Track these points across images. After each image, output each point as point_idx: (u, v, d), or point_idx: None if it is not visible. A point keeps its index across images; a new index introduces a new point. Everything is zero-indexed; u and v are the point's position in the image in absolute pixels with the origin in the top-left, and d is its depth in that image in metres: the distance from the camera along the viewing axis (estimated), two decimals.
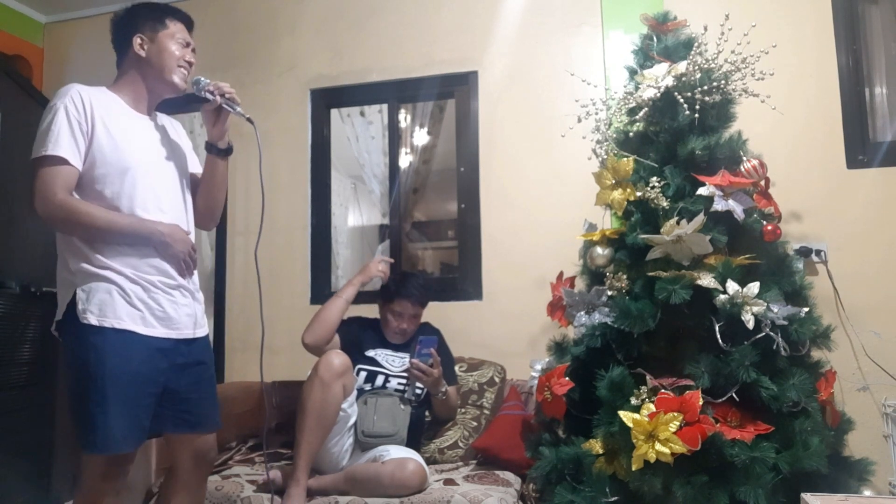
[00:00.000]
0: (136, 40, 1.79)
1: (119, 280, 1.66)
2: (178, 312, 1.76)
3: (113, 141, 1.70)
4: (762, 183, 2.26)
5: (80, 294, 1.64)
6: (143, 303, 1.69)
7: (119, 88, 1.82)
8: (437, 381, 2.45)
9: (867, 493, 1.97)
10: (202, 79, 1.82)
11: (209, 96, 1.80)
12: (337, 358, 2.24)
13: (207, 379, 1.86)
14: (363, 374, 2.48)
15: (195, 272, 1.85)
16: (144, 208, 1.72)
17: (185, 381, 1.76)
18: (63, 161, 1.63)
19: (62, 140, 1.63)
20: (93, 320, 1.62)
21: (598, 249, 2.25)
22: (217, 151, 1.87)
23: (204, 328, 1.87)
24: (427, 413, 2.59)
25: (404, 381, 2.49)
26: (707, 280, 1.96)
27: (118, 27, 1.85)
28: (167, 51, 1.80)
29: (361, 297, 3.05)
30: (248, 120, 1.83)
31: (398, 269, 3.36)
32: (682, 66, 2.15)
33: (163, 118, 1.92)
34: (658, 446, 1.76)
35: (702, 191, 2.03)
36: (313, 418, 2.17)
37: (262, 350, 1.94)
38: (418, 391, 2.50)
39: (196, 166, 1.95)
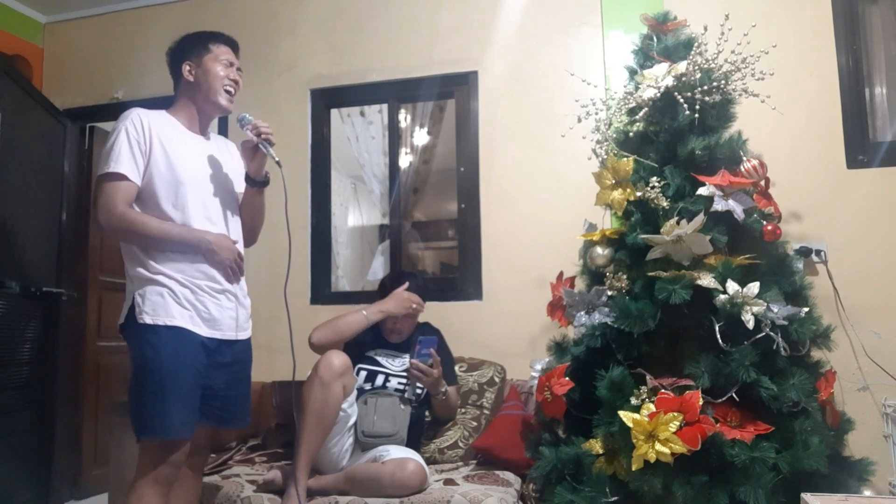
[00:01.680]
0: (185, 67, 1.97)
1: (170, 283, 1.82)
2: (223, 315, 1.91)
3: (168, 159, 1.87)
4: (762, 183, 2.27)
5: (138, 298, 1.81)
6: (192, 304, 1.84)
7: (175, 111, 2.00)
8: (438, 381, 2.45)
9: (867, 493, 1.97)
10: (247, 116, 2.00)
11: (248, 134, 1.98)
12: (337, 358, 2.24)
13: (244, 378, 2.02)
14: (363, 374, 2.48)
15: (242, 278, 2.02)
16: (195, 219, 1.89)
17: (222, 379, 1.91)
18: (123, 177, 1.81)
19: (123, 158, 1.81)
20: (148, 320, 1.79)
21: (598, 249, 2.25)
22: (253, 183, 2.05)
23: (247, 331, 2.03)
24: (427, 413, 2.59)
25: (404, 381, 2.49)
26: (707, 280, 1.96)
27: (171, 57, 2.03)
28: (212, 73, 1.97)
29: (362, 298, 3.06)
30: (277, 163, 2.00)
31: (397, 268, 3.37)
32: (682, 66, 2.15)
33: (217, 138, 2.10)
34: (658, 446, 1.76)
35: (702, 191, 2.03)
36: (313, 418, 2.17)
37: (292, 353, 1.99)
38: (418, 391, 2.50)
39: (242, 186, 2.10)
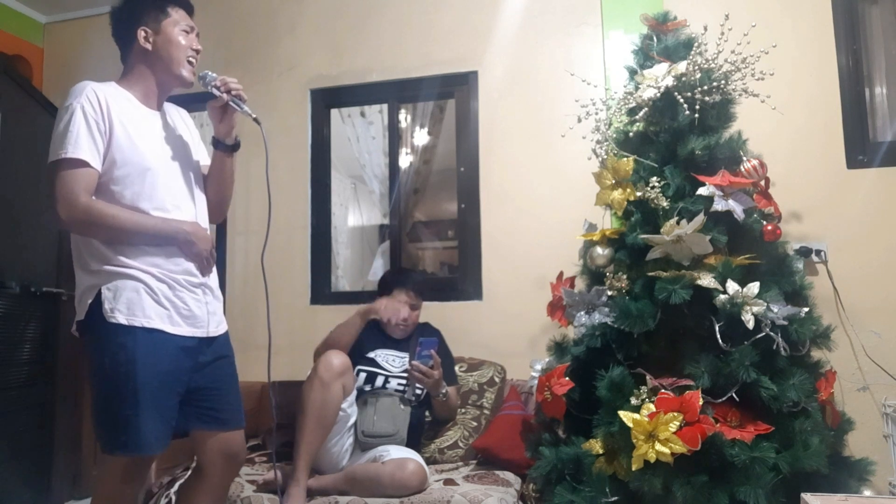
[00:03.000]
0: (141, 33, 1.74)
1: (146, 278, 1.63)
2: (202, 310, 1.74)
3: (131, 141, 1.66)
4: (762, 183, 2.27)
5: (106, 293, 1.60)
6: (170, 301, 1.66)
7: (128, 84, 1.76)
8: (438, 382, 2.45)
9: (867, 493, 1.97)
10: (209, 73, 1.78)
11: (216, 92, 1.76)
12: (336, 358, 2.24)
13: (230, 374, 1.85)
14: (363, 375, 2.48)
15: (213, 269, 1.83)
16: (164, 208, 1.70)
17: (208, 378, 1.74)
18: (83, 163, 1.59)
19: (81, 141, 1.58)
20: (122, 319, 1.59)
21: (598, 249, 2.25)
22: (224, 148, 1.82)
23: (224, 325, 1.86)
24: (427, 413, 2.59)
25: (404, 381, 2.49)
26: (707, 280, 1.96)
27: (119, 19, 1.79)
28: (173, 42, 1.74)
29: (362, 298, 3.06)
30: (255, 120, 1.79)
31: (397, 266, 3.37)
32: (682, 66, 2.15)
33: (171, 109, 1.88)
34: (658, 446, 1.77)
35: (702, 191, 2.03)
36: (313, 418, 2.18)
37: (269, 353, 1.94)
38: (418, 392, 2.50)
39: (205, 157, 1.90)
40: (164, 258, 1.67)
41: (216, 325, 1.79)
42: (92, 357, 1.62)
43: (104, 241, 1.63)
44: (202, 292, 1.75)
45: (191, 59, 1.78)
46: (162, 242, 1.67)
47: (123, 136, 1.65)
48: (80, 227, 1.64)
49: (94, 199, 1.61)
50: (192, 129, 1.91)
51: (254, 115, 1.79)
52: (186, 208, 1.76)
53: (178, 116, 1.89)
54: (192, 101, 2.29)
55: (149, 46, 1.74)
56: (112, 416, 1.58)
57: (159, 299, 1.64)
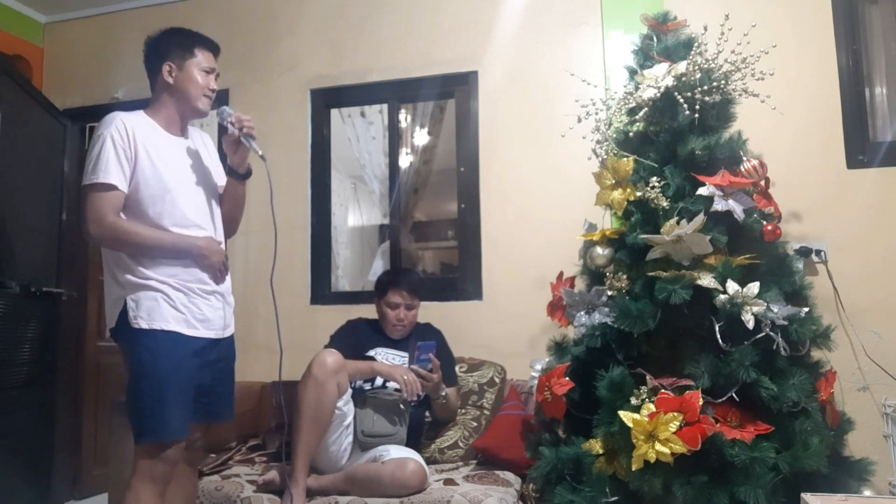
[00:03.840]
0: (166, 68, 1.94)
1: (164, 288, 1.85)
2: (215, 315, 1.96)
3: (154, 166, 1.88)
4: (762, 183, 2.27)
5: (130, 303, 1.82)
6: (185, 307, 1.87)
7: (153, 112, 1.97)
8: (437, 385, 2.44)
9: (867, 493, 1.97)
10: (227, 109, 2.00)
11: (230, 128, 1.97)
12: (330, 356, 2.24)
13: (229, 374, 2.06)
14: None
15: (227, 277, 2.05)
16: (183, 225, 1.91)
17: (211, 376, 1.94)
18: (112, 187, 1.81)
19: (111, 167, 1.81)
20: (143, 325, 1.81)
21: (598, 249, 2.25)
22: (237, 176, 2.05)
23: (231, 328, 2.06)
24: (427, 413, 2.59)
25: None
26: (707, 280, 1.96)
27: (150, 51, 1.99)
28: (192, 80, 1.95)
29: (362, 298, 3.06)
30: (262, 157, 1.97)
31: (396, 266, 3.37)
32: (682, 66, 2.15)
33: (194, 134, 2.08)
34: (658, 446, 1.77)
35: (702, 191, 2.03)
36: (309, 417, 2.18)
37: (280, 356, 2.08)
38: (418, 393, 2.49)
39: (222, 178, 2.10)
40: (180, 269, 1.89)
41: (224, 329, 2.01)
42: (126, 358, 1.85)
43: (129, 255, 1.85)
44: (216, 298, 1.97)
45: (206, 94, 1.99)
46: (179, 256, 1.88)
47: (147, 161, 1.87)
48: (108, 243, 1.86)
49: (119, 217, 1.84)
50: (212, 152, 2.12)
51: (261, 153, 1.97)
52: (204, 224, 1.97)
53: (201, 141, 2.10)
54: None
55: (171, 80, 1.95)
56: (142, 408, 1.80)
57: (176, 305, 1.86)
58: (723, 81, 2.14)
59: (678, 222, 1.99)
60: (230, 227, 2.15)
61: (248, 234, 3.39)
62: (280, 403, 2.84)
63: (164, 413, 1.78)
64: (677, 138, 2.16)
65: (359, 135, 3.99)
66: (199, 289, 1.91)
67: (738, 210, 2.01)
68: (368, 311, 2.73)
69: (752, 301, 1.92)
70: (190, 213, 1.93)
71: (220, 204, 2.08)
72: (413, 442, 2.43)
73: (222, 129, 2.07)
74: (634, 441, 1.80)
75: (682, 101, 2.11)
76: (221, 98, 3.50)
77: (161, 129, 1.96)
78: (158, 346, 1.80)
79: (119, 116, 1.87)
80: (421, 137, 4.19)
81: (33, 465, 3.07)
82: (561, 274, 2.46)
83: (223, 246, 2.04)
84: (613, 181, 2.19)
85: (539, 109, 3.03)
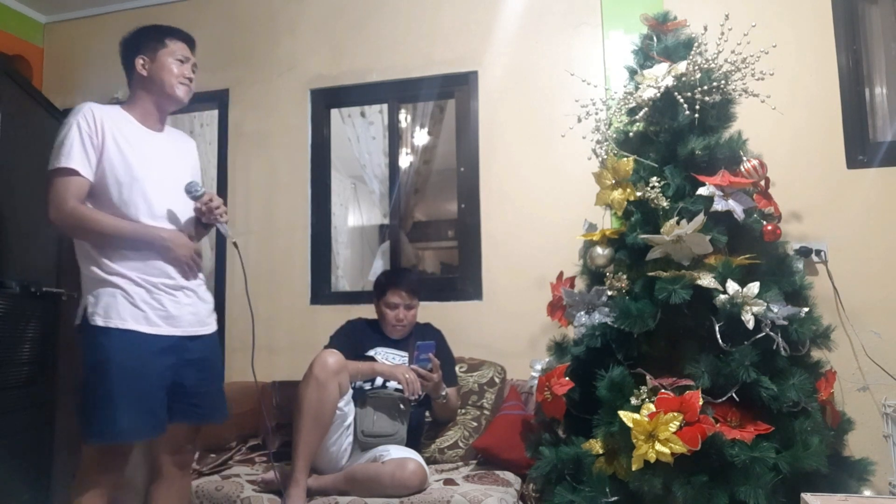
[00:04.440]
0: (139, 61, 1.93)
1: (123, 283, 1.80)
2: (182, 311, 1.88)
3: (122, 153, 1.84)
4: (762, 183, 2.27)
5: (90, 299, 1.79)
6: (146, 303, 1.82)
7: (130, 107, 1.95)
8: (437, 385, 2.44)
9: (867, 493, 1.97)
10: (197, 185, 1.93)
11: (200, 208, 1.93)
12: (331, 357, 2.24)
13: (215, 373, 2.01)
14: None
15: (200, 274, 1.98)
16: (150, 216, 1.86)
17: (193, 375, 1.89)
18: (74, 172, 1.77)
19: (74, 153, 1.78)
20: (99, 322, 1.76)
21: (598, 249, 2.25)
22: (203, 225, 2.00)
23: (210, 326, 1.99)
24: (427, 413, 2.59)
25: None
26: (707, 280, 1.96)
27: (124, 49, 1.98)
28: (166, 69, 1.93)
29: (362, 298, 3.06)
30: (234, 245, 2.04)
31: (395, 265, 3.37)
32: (682, 66, 2.15)
33: (175, 134, 2.07)
34: (658, 446, 1.77)
35: (702, 191, 2.03)
36: (310, 418, 2.18)
37: (252, 355, 2.04)
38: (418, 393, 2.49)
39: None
40: (142, 262, 1.83)
41: (199, 326, 1.94)
42: (81, 357, 1.80)
43: (93, 245, 1.81)
44: (184, 294, 1.90)
45: (182, 82, 1.96)
46: (141, 247, 1.83)
47: (115, 150, 1.83)
48: (68, 230, 1.83)
49: (80, 204, 1.79)
50: (191, 152, 2.09)
51: (234, 240, 2.02)
52: (173, 218, 1.92)
53: (183, 142, 2.08)
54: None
55: (144, 73, 1.93)
56: (88, 407, 1.74)
57: (135, 302, 1.80)
58: (723, 81, 2.14)
59: (678, 222, 1.99)
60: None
61: (248, 235, 3.40)
62: (278, 402, 2.85)
63: (112, 415, 1.71)
64: (677, 138, 2.16)
65: (359, 135, 3.99)
66: (163, 284, 1.84)
67: (738, 210, 2.01)
68: (368, 311, 2.73)
69: (752, 301, 1.92)
70: (158, 205, 1.87)
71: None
72: (413, 442, 2.43)
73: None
74: (634, 441, 1.80)
75: (682, 101, 2.11)
76: (221, 98, 3.51)
77: (135, 121, 1.92)
78: (112, 345, 1.74)
79: (89, 105, 1.85)
80: (421, 137, 4.19)
81: (33, 465, 3.06)
82: (561, 274, 2.46)
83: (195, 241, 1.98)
84: (613, 181, 2.19)
85: (539, 109, 3.03)
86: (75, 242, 1.85)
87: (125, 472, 1.82)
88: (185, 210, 1.96)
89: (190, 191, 1.92)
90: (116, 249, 1.80)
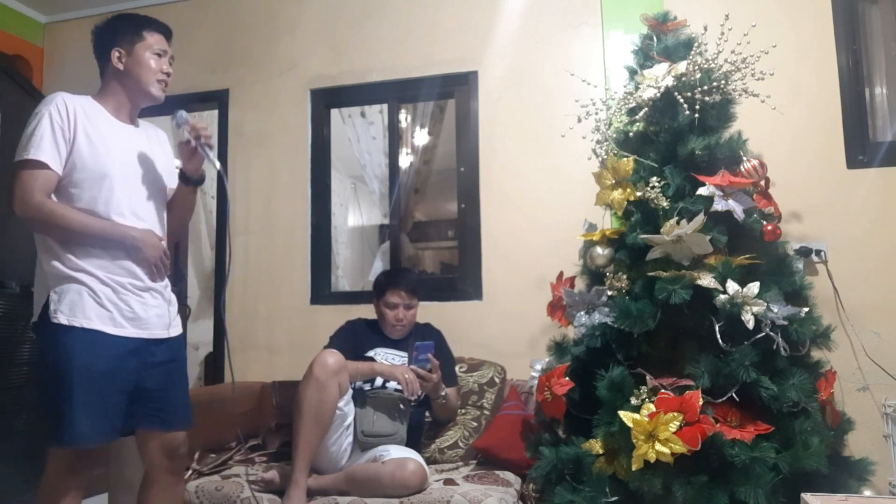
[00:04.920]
0: (115, 54, 1.84)
1: (89, 281, 1.72)
2: (148, 313, 1.82)
3: (93, 148, 1.76)
4: (762, 183, 2.27)
5: (53, 296, 1.71)
6: (113, 304, 1.75)
7: (102, 98, 1.87)
8: (437, 385, 2.44)
9: (867, 493, 1.97)
10: (183, 114, 1.89)
11: (186, 135, 1.87)
12: (331, 357, 2.24)
13: (180, 377, 1.92)
14: None
15: (166, 275, 1.91)
16: (120, 213, 1.79)
17: (156, 379, 1.82)
18: (43, 165, 1.70)
19: (44, 145, 1.70)
20: (63, 320, 1.69)
21: (598, 249, 2.25)
22: (189, 182, 1.94)
23: (176, 328, 1.92)
24: (427, 413, 2.59)
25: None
26: (707, 280, 1.96)
27: (98, 39, 1.89)
28: (143, 64, 1.85)
29: (362, 298, 3.06)
30: (220, 172, 1.95)
31: (395, 265, 3.37)
32: (682, 66, 2.15)
33: (148, 128, 1.98)
34: (658, 446, 1.76)
35: (702, 191, 2.03)
36: (310, 418, 2.18)
37: (229, 357, 1.96)
38: (418, 393, 2.49)
39: (172, 180, 1.99)
40: (109, 261, 1.76)
41: (165, 328, 1.87)
42: (39, 355, 1.76)
43: (57, 240, 1.74)
44: (150, 296, 1.83)
45: (160, 79, 1.88)
46: (109, 246, 1.76)
47: (86, 144, 1.75)
48: (33, 224, 1.75)
49: (47, 198, 1.71)
50: (166, 149, 2.01)
51: (217, 165, 1.90)
52: (146, 217, 1.85)
53: (156, 136, 1.99)
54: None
55: (121, 66, 1.85)
56: (51, 410, 1.68)
57: (102, 301, 1.73)
58: (723, 81, 2.14)
59: (678, 222, 1.99)
60: (175, 235, 2.05)
61: (248, 235, 3.40)
62: (278, 402, 2.85)
63: (76, 418, 1.64)
64: (677, 138, 2.16)
65: (359, 135, 3.99)
66: (130, 284, 1.77)
67: (738, 210, 2.01)
68: (368, 312, 2.73)
69: (752, 301, 1.92)
70: (128, 203, 1.80)
71: (168, 204, 1.97)
72: (413, 442, 2.43)
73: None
74: (634, 441, 1.80)
75: (682, 101, 2.11)
76: (221, 98, 3.51)
77: (108, 114, 1.85)
78: (76, 345, 1.67)
79: (61, 95, 1.77)
80: (421, 137, 4.19)
81: (33, 465, 3.06)
82: (561, 274, 2.46)
83: (165, 242, 1.90)
84: (613, 181, 2.19)
85: (539, 109, 3.03)
86: (36, 236, 1.78)
87: (92, 473, 1.78)
88: (157, 208, 1.90)
89: (177, 119, 1.88)
90: (83, 246, 1.73)
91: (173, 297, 1.94)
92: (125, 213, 1.79)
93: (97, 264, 1.74)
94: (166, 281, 1.91)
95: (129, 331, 1.76)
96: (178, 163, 2.00)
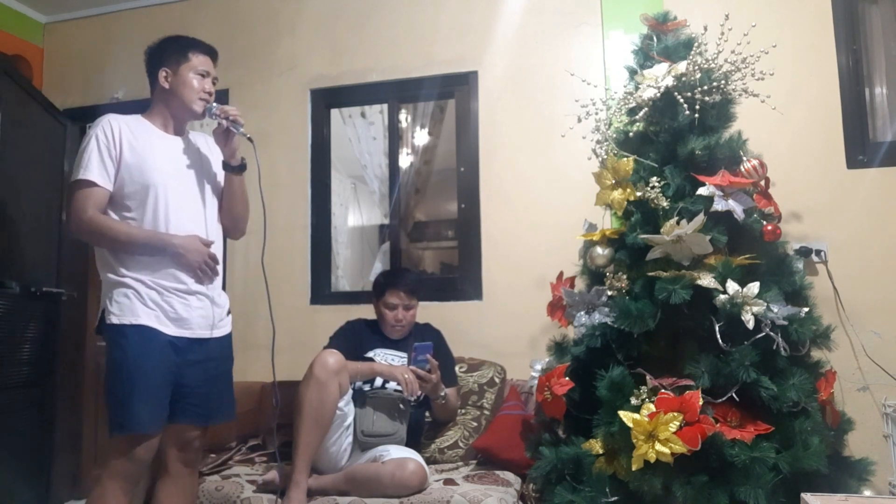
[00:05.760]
0: (162, 73, 1.99)
1: (136, 286, 1.86)
2: (192, 314, 1.92)
3: (138, 162, 1.90)
4: (762, 183, 2.27)
5: (107, 301, 1.87)
6: (157, 304, 1.88)
7: (150, 115, 2.02)
8: (436, 386, 2.44)
9: (867, 493, 1.97)
10: (213, 104, 2.02)
11: (217, 119, 1.99)
12: (332, 357, 2.24)
13: (220, 374, 2.02)
14: None
15: (217, 278, 2.01)
16: (166, 222, 1.91)
17: (196, 377, 1.92)
18: (92, 184, 1.85)
19: (92, 165, 1.86)
20: (115, 320, 1.84)
21: (598, 249, 2.25)
22: (231, 169, 2.05)
23: (223, 329, 2.05)
24: (427, 413, 2.59)
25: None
26: (707, 280, 1.96)
27: (148, 59, 2.04)
28: (187, 84, 1.98)
29: (362, 298, 3.06)
30: (249, 139, 2.01)
31: (395, 265, 3.37)
32: (682, 66, 2.15)
33: (196, 136, 2.10)
34: (658, 446, 1.76)
35: (702, 191, 2.03)
36: (310, 418, 2.18)
37: (272, 352, 2.09)
38: (418, 394, 2.49)
39: (223, 180, 2.10)
40: (155, 268, 1.89)
41: (210, 329, 1.98)
42: (105, 356, 1.88)
43: (110, 252, 1.89)
44: (195, 299, 1.94)
45: (202, 97, 2.00)
46: (154, 253, 1.88)
47: (132, 159, 1.90)
48: (86, 237, 1.90)
49: (97, 213, 1.86)
50: (214, 153, 2.10)
51: (248, 136, 2.00)
52: (192, 224, 1.96)
53: (204, 142, 2.10)
54: None
55: (166, 86, 1.99)
56: (114, 401, 1.82)
57: (146, 302, 1.86)
58: (723, 81, 2.14)
59: (678, 222, 1.99)
60: (233, 226, 2.13)
61: (248, 235, 3.37)
62: (279, 403, 2.85)
63: (134, 406, 1.78)
64: (677, 138, 2.16)
65: (359, 135, 3.99)
66: (174, 288, 1.90)
67: (738, 210, 2.01)
68: (368, 312, 2.73)
69: (752, 301, 1.92)
70: (174, 211, 1.92)
71: (220, 201, 2.07)
72: (413, 442, 2.43)
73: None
74: (634, 441, 1.80)
75: (682, 101, 2.11)
76: (221, 98, 3.51)
77: (155, 128, 1.99)
78: (128, 341, 1.81)
79: (108, 117, 1.92)
80: (421, 137, 4.19)
81: (33, 465, 3.07)
82: (561, 274, 2.46)
83: (216, 246, 2.01)
84: (613, 181, 2.19)
85: (539, 109, 3.03)
86: (95, 250, 1.93)
87: (148, 465, 1.87)
88: (204, 213, 2.00)
89: (209, 111, 1.99)
90: (131, 256, 1.87)
91: (223, 299, 2.06)
92: (171, 220, 1.91)
93: (144, 271, 1.87)
94: (216, 283, 2.02)
95: (172, 330, 1.88)
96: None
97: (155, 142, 1.96)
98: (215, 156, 2.09)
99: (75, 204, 1.86)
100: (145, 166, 1.90)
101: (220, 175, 2.09)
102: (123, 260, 1.87)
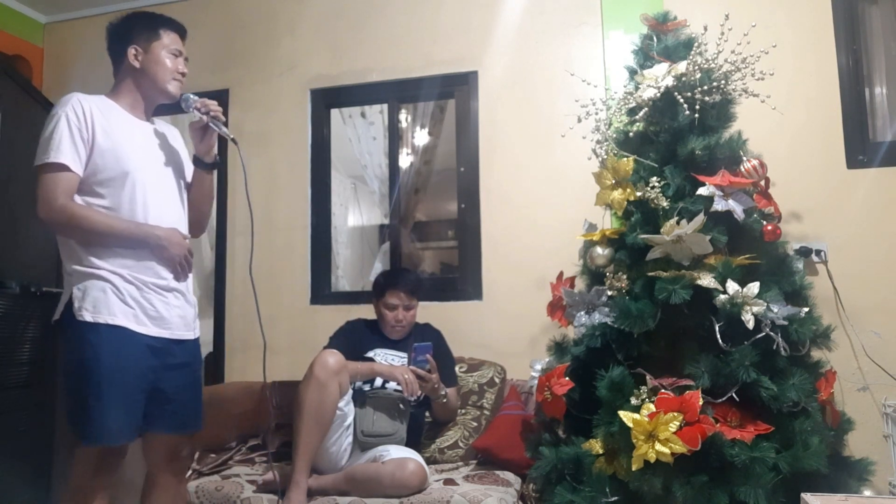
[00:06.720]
0: (131, 51, 1.86)
1: (113, 279, 1.72)
2: (171, 313, 1.81)
3: (113, 147, 1.76)
4: (762, 183, 2.26)
5: (76, 293, 1.70)
6: (136, 301, 1.75)
7: (117, 96, 1.87)
8: (436, 386, 2.44)
9: (867, 493, 1.97)
10: (191, 96, 1.89)
11: (196, 114, 1.87)
12: (332, 357, 2.24)
13: (195, 381, 1.92)
14: None
15: (190, 276, 1.91)
16: (144, 212, 1.78)
17: (174, 381, 1.82)
18: (64, 167, 1.69)
19: (63, 147, 1.69)
20: (87, 317, 1.68)
21: (598, 249, 2.25)
22: (204, 166, 1.93)
23: (195, 331, 1.92)
24: (427, 413, 2.59)
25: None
26: (707, 280, 1.96)
27: (114, 36, 1.91)
28: (160, 63, 1.86)
29: (362, 298, 3.06)
30: (233, 140, 1.90)
31: (395, 265, 3.37)
32: (682, 66, 2.15)
33: (161, 125, 1.97)
34: (658, 446, 1.76)
35: (702, 191, 2.03)
36: (310, 418, 2.18)
37: (264, 360, 1.97)
38: (418, 394, 2.49)
39: (191, 173, 1.99)
40: (134, 261, 1.76)
41: (186, 330, 1.87)
42: (65, 354, 1.73)
43: (80, 243, 1.73)
44: (173, 297, 1.83)
45: (176, 78, 1.89)
46: (134, 245, 1.75)
47: (105, 143, 1.75)
48: (58, 227, 1.74)
49: (71, 200, 1.71)
50: (179, 144, 2.00)
51: (231, 136, 1.89)
52: (170, 215, 1.85)
53: (168, 131, 1.98)
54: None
55: (137, 64, 1.86)
56: (79, 408, 1.67)
57: (125, 299, 1.73)
58: (723, 81, 2.14)
59: (678, 222, 1.99)
60: (197, 225, 2.01)
61: (247, 235, 3.37)
62: (278, 402, 2.85)
63: (105, 416, 1.65)
64: (677, 138, 2.16)
65: (359, 135, 3.99)
66: (153, 284, 1.77)
67: (738, 210, 2.01)
68: (368, 312, 2.73)
69: (752, 301, 1.92)
70: (152, 201, 1.80)
71: (188, 197, 1.96)
72: (413, 442, 2.43)
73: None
74: (634, 441, 1.80)
75: (682, 101, 2.11)
76: (221, 98, 3.51)
77: (123, 111, 1.85)
78: (101, 341, 1.66)
79: (76, 96, 1.76)
80: (421, 137, 4.19)
81: (33, 465, 3.06)
82: (561, 274, 2.46)
83: (189, 240, 1.90)
84: (613, 181, 2.19)
85: (539, 109, 3.03)
86: (59, 239, 1.77)
87: (118, 474, 1.78)
88: (180, 205, 1.90)
89: (186, 101, 1.87)
90: (106, 247, 1.72)
91: (194, 299, 1.94)
92: (149, 211, 1.79)
93: (121, 263, 1.73)
94: (189, 281, 1.91)
95: (152, 329, 1.76)
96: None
97: (127, 126, 1.82)
98: (183, 149, 1.98)
99: (44, 189, 1.68)
100: (121, 152, 1.75)
101: (189, 170, 1.96)
102: (95, 251, 1.71)
